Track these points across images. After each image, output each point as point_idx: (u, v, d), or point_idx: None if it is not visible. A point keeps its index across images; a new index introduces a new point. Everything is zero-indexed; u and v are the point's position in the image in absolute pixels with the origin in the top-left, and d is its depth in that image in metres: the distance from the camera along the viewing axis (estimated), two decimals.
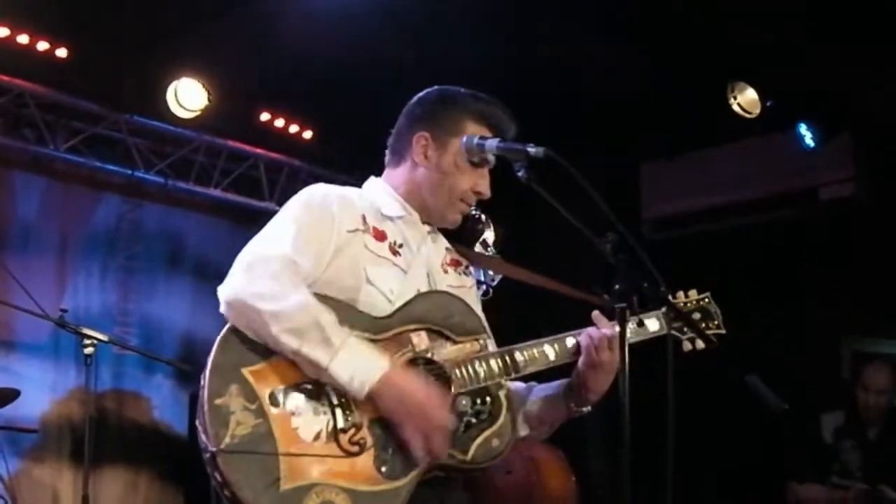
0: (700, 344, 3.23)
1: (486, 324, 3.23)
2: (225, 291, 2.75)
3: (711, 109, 7.50)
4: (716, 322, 3.38)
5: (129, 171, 8.00)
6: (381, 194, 3.13)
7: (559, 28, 6.73)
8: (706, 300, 3.39)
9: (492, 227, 3.47)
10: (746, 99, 7.40)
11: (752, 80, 7.36)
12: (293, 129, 8.48)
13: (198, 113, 7.55)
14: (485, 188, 3.11)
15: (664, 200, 8.76)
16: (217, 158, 8.46)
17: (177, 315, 8.47)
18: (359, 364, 2.67)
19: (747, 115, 7.40)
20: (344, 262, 2.89)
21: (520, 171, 2.81)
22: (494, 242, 3.58)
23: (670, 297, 3.20)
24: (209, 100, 7.51)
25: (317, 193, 3.00)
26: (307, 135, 8.56)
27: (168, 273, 8.54)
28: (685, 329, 3.23)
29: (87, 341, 5.77)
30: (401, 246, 3.05)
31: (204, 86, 7.49)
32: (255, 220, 9.60)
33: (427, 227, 3.16)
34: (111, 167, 7.94)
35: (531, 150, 2.81)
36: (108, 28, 6.77)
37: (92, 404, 6.12)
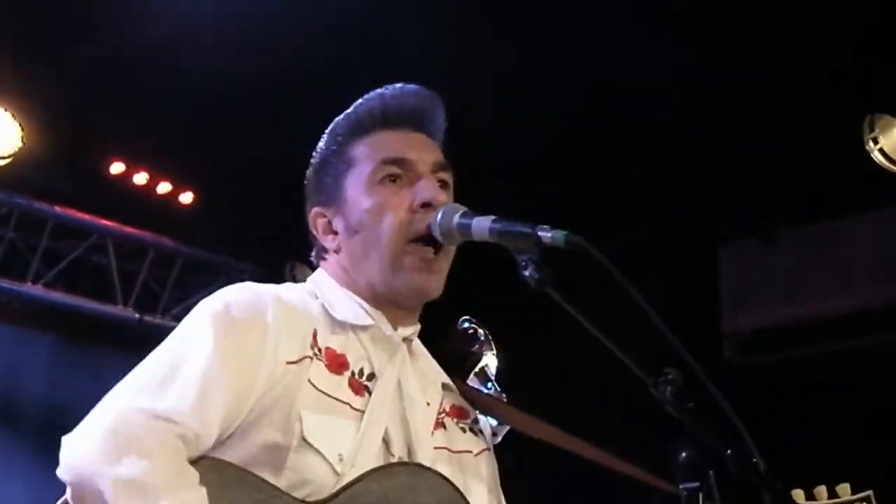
0: None
1: None
2: (72, 458, 2.73)
3: (835, 159, 7.58)
4: None
5: None
6: (333, 292, 3.16)
7: (583, 32, 6.88)
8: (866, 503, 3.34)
9: (494, 349, 3.45)
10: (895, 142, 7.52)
11: None
12: (163, 188, 8.51)
13: (5, 161, 7.53)
14: (430, 193, 3.10)
15: (756, 305, 8.78)
16: (38, 235, 8.44)
17: None
18: None
19: None
20: (269, 405, 2.88)
21: (526, 268, 2.79)
22: (499, 375, 3.56)
23: (802, 499, 3.20)
24: (24, 140, 7.51)
25: (241, 297, 3.00)
26: (186, 198, 8.59)
27: None
28: None
29: None
30: (371, 378, 3.04)
31: (15, 117, 7.50)
32: (100, 337, 9.74)
33: (402, 333, 3.17)
34: None
35: (545, 235, 2.78)
36: None
37: None
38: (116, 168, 8.32)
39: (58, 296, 8.58)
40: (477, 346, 3.41)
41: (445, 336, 3.44)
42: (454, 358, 3.35)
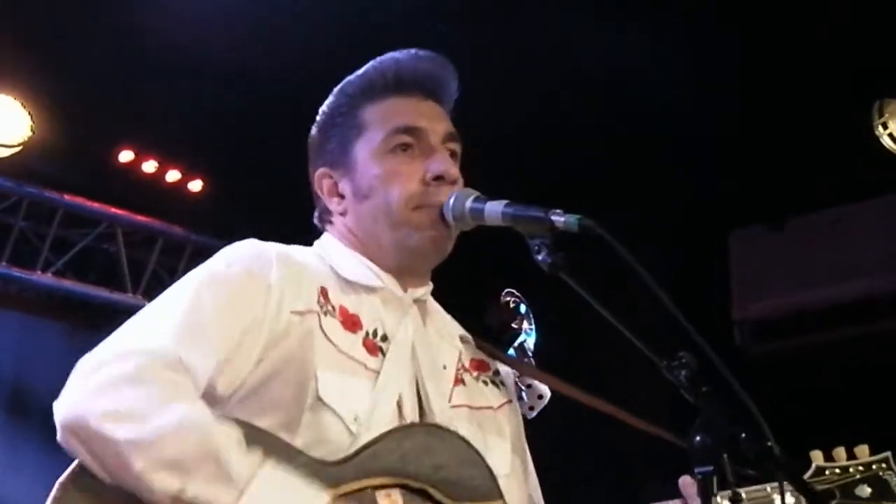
0: None
1: (528, 476, 3.22)
2: (61, 409, 2.72)
3: (842, 145, 7.59)
4: None
5: None
6: (341, 254, 3.16)
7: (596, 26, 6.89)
8: (883, 465, 3.34)
9: (533, 325, 3.44)
10: None
11: None
12: (172, 176, 8.51)
13: (15, 150, 7.54)
14: (443, 166, 3.10)
15: (767, 292, 8.77)
16: (47, 224, 8.45)
17: None
18: None
19: None
20: (283, 359, 2.88)
21: (540, 252, 2.80)
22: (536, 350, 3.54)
23: (820, 461, 3.18)
24: (33, 129, 7.52)
25: (243, 252, 3.01)
26: (195, 186, 8.59)
27: None
28: None
29: None
30: (384, 339, 3.05)
31: (25, 106, 7.51)
32: (110, 325, 9.53)
33: (412, 294, 3.15)
34: None
35: (558, 219, 2.80)
36: None
37: None
38: (125, 156, 8.31)
39: (67, 284, 8.58)
40: (517, 321, 3.40)
41: (486, 308, 3.43)
42: (493, 331, 3.33)
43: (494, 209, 2.99)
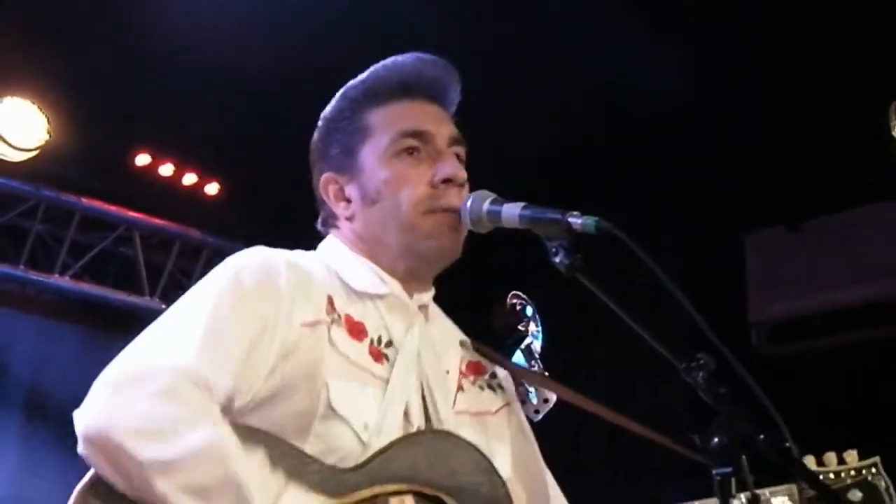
0: None
1: (545, 476, 3.21)
2: (84, 419, 2.71)
3: (857, 148, 7.58)
4: None
5: None
6: (346, 260, 3.14)
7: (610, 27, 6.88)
8: (873, 470, 3.36)
9: (539, 326, 3.43)
10: None
11: None
12: (189, 179, 8.54)
13: (32, 153, 7.56)
14: (451, 170, 3.10)
15: (785, 293, 8.75)
16: (64, 227, 8.47)
17: None
18: None
19: None
20: (294, 372, 2.87)
21: (557, 254, 2.80)
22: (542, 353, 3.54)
23: (813, 466, 3.17)
24: (50, 133, 7.53)
25: (252, 261, 2.99)
26: (212, 189, 8.62)
27: None
28: None
29: None
30: (388, 345, 3.04)
31: (42, 110, 7.53)
32: (128, 328, 9.57)
33: (418, 300, 3.15)
34: None
35: (576, 221, 2.79)
36: None
37: None
38: (142, 160, 8.33)
39: (85, 287, 8.60)
40: (524, 323, 3.39)
41: (492, 310, 3.42)
42: (500, 333, 3.31)
43: (512, 212, 2.99)
